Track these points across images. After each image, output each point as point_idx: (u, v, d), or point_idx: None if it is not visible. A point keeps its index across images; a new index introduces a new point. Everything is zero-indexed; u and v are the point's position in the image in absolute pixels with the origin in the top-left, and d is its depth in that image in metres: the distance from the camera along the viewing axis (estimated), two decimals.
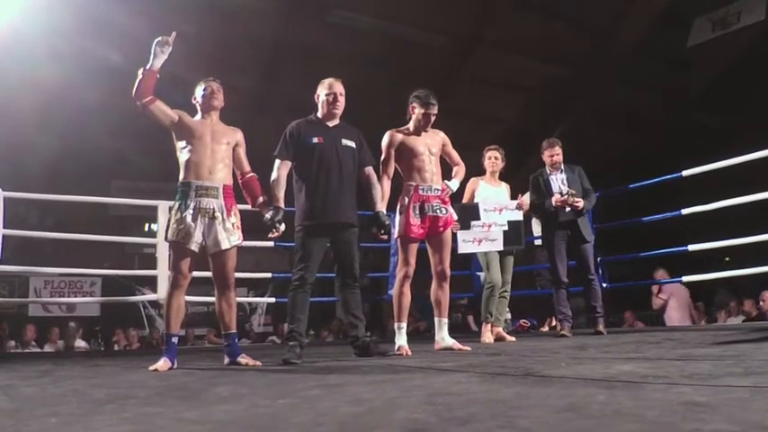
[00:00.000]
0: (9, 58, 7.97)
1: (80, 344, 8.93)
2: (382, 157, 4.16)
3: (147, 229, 10.92)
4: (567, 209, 5.27)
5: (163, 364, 3.31)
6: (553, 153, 5.42)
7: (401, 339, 3.99)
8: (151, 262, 6.15)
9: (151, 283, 6.34)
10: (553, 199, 5.29)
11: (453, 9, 10.08)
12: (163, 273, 5.74)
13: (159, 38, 3.46)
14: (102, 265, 7.96)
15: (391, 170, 4.17)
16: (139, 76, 3.43)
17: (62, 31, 7.92)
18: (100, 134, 9.60)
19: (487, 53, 10.62)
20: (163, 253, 5.75)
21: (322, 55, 9.25)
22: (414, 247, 4.13)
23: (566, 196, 5.25)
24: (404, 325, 4.07)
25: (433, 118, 4.18)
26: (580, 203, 5.24)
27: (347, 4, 9.46)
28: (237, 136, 3.70)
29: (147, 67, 3.44)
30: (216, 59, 8.21)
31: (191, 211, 3.43)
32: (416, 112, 4.18)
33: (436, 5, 9.79)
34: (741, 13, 10.42)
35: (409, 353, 3.86)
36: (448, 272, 4.20)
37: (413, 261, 4.10)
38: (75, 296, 11.79)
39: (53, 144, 9.49)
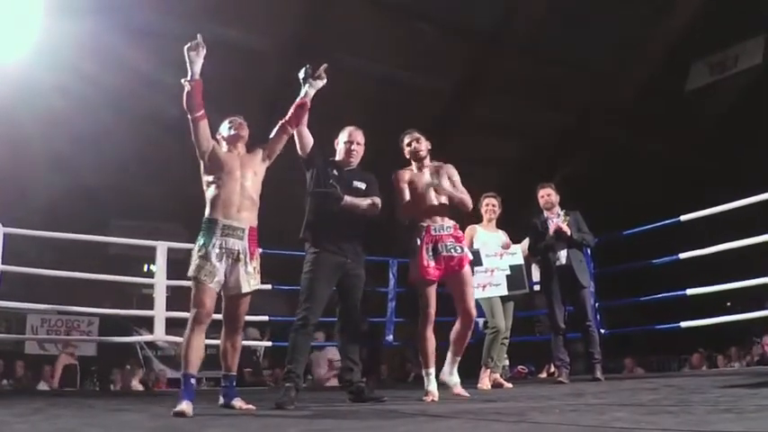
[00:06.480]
0: (18, 94, 8.04)
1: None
2: (399, 197, 4.01)
3: (146, 269, 10.87)
4: (563, 256, 5.29)
5: (186, 407, 3.02)
6: (543, 194, 5.48)
7: (430, 385, 3.82)
8: (149, 303, 6.13)
9: (148, 323, 6.30)
10: (551, 228, 5.32)
11: (453, 54, 10.25)
12: (160, 313, 5.74)
13: (188, 44, 3.39)
14: (100, 304, 7.90)
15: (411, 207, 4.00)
16: (187, 88, 3.37)
17: (70, 67, 8.00)
18: (103, 171, 9.65)
19: (487, 99, 10.76)
20: (160, 293, 5.75)
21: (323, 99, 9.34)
22: (432, 290, 3.90)
23: (560, 219, 5.29)
24: (432, 370, 3.88)
25: (423, 144, 4.06)
26: (568, 231, 5.26)
27: (347, 49, 9.58)
28: (260, 153, 3.65)
29: (189, 77, 3.37)
30: (221, 97, 8.29)
31: (216, 251, 3.32)
32: (406, 150, 4.11)
33: (435, 51, 9.95)
34: (739, 56, 10.50)
35: (436, 399, 3.72)
36: (473, 312, 3.97)
37: (433, 303, 3.88)
38: (72, 335, 11.68)
39: (55, 180, 9.53)
